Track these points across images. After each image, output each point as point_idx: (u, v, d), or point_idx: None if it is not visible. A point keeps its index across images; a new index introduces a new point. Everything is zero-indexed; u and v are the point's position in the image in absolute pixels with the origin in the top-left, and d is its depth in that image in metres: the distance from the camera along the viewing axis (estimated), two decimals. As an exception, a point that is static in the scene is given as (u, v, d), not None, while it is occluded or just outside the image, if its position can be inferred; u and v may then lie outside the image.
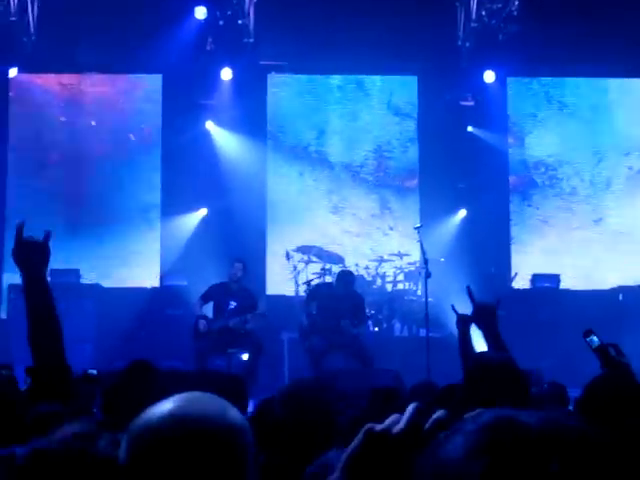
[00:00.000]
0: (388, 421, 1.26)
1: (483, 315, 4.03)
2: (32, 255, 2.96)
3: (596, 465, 0.97)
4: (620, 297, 12.26)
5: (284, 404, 3.37)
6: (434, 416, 1.24)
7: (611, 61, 13.44)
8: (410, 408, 1.26)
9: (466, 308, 4.19)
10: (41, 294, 2.92)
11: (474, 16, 12.86)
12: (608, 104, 14.22)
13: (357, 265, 12.62)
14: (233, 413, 1.53)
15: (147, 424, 1.48)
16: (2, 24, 11.97)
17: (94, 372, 5.09)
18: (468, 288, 4.20)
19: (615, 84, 14.34)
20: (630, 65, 13.67)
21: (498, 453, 0.97)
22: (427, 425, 1.24)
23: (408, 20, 12.58)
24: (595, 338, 3.71)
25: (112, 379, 4.16)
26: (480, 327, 4.03)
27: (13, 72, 13.16)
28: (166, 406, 1.49)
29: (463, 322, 4.09)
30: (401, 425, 1.25)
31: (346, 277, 10.68)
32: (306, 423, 3.26)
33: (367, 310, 10.91)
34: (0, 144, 13.42)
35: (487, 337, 3.95)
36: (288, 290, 12.99)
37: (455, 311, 4.28)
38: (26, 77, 13.54)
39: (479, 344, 4.02)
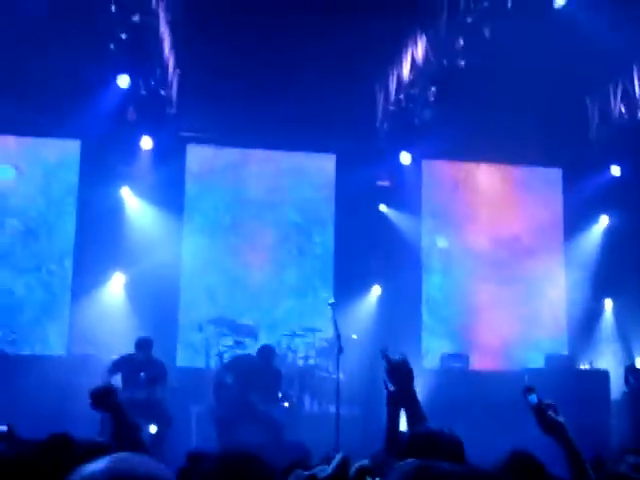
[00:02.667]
0: (316, 469, 1.34)
1: (399, 375, 3.97)
2: None
3: None
4: (526, 378, 12.50)
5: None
6: (358, 464, 1.33)
7: (519, 149, 14.01)
8: (337, 457, 1.34)
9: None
10: None
11: (392, 99, 13.25)
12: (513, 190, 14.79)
13: (269, 339, 12.59)
14: (162, 470, 1.64)
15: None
16: None
17: (4, 429, 4.84)
18: (383, 350, 4.11)
19: (521, 172, 14.92)
20: (536, 154, 14.26)
21: None
22: (352, 472, 1.32)
23: (329, 99, 12.87)
24: (534, 397, 3.74)
25: (28, 450, 4.05)
26: (396, 387, 3.96)
27: None
28: (98, 464, 1.60)
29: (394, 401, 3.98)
30: (328, 471, 1.33)
31: (267, 352, 10.69)
32: None
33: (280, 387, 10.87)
34: None
35: (403, 399, 3.91)
36: (199, 362, 12.86)
37: (387, 386, 4.10)
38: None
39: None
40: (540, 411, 3.65)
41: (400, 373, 3.95)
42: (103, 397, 4.25)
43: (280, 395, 10.94)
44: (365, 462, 1.23)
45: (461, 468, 1.10)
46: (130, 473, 1.59)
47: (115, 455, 1.66)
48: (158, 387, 9.77)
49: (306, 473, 1.30)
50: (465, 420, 11.02)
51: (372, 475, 1.18)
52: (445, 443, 3.27)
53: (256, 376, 10.23)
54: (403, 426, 3.91)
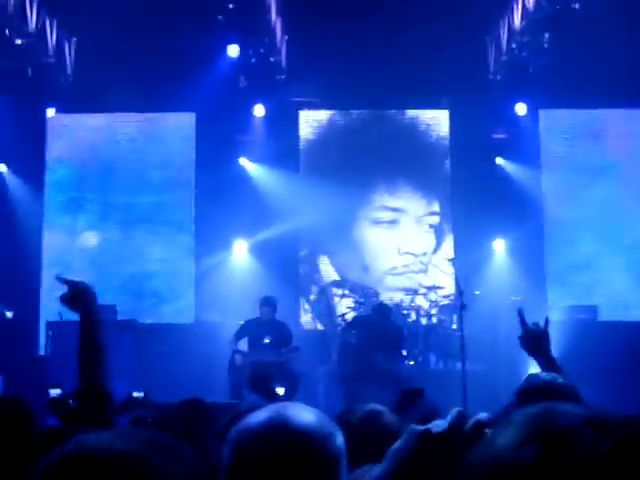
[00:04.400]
0: (431, 424, 1.33)
1: (534, 340, 3.91)
2: (80, 295, 3.18)
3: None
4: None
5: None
6: (475, 417, 1.30)
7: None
8: (453, 411, 1.32)
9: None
10: (91, 326, 3.14)
11: (504, 49, 12.93)
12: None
13: (391, 299, 12.61)
14: (325, 420, 1.68)
15: (248, 429, 1.65)
16: (40, 65, 12.21)
17: (140, 395, 5.06)
18: (519, 312, 4.03)
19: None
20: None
21: (548, 438, 1.01)
22: (469, 426, 1.30)
23: (439, 54, 12.64)
24: None
25: (165, 413, 4.27)
26: (531, 353, 3.92)
27: (51, 112, 13.40)
28: (263, 414, 1.67)
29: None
30: (443, 426, 1.32)
31: (383, 309, 10.72)
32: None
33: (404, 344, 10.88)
34: (37, 182, 13.65)
35: (541, 363, 3.86)
36: (322, 325, 13.01)
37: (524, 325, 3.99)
38: (64, 117, 13.76)
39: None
40: None
41: (536, 339, 3.89)
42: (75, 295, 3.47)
43: (405, 352, 10.97)
44: (483, 415, 1.20)
45: (586, 410, 1.04)
46: (295, 421, 1.64)
47: (278, 405, 1.71)
48: (284, 349, 9.94)
49: (420, 428, 1.29)
50: (594, 373, 10.78)
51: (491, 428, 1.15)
52: (559, 390, 3.23)
53: (377, 334, 10.27)
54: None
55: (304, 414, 1.66)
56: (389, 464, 1.35)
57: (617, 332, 11.95)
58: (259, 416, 1.66)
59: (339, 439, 1.66)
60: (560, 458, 0.99)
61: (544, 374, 3.57)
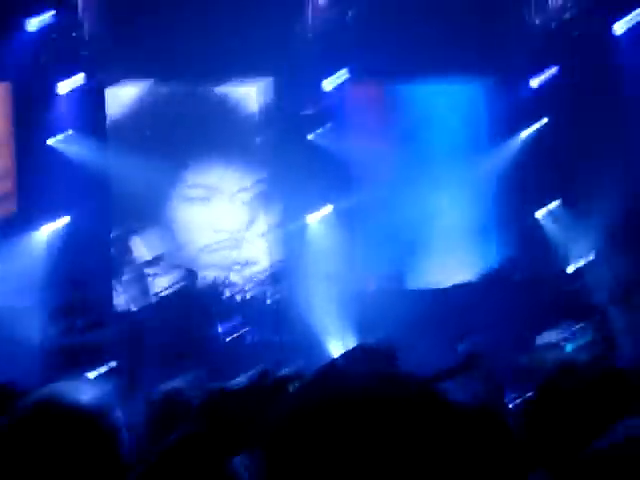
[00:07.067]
0: (232, 381, 1.38)
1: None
2: None
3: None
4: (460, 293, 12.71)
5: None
6: (278, 374, 1.37)
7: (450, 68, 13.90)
8: (257, 368, 1.38)
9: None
10: None
11: (310, 25, 13.14)
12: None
13: (205, 277, 12.61)
14: (103, 396, 1.66)
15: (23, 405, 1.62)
16: None
17: None
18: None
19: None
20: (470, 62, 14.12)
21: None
22: (271, 381, 1.36)
23: (251, 30, 12.63)
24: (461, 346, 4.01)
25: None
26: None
27: None
28: (36, 394, 1.64)
29: None
30: (243, 382, 1.37)
31: (190, 277, 10.70)
32: None
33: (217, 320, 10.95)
34: None
35: None
36: (136, 306, 12.84)
37: None
38: None
39: None
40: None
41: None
42: None
43: (220, 330, 11.02)
44: (286, 371, 1.25)
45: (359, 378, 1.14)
46: (63, 402, 1.59)
47: (53, 385, 1.68)
48: (97, 331, 9.77)
49: (217, 385, 1.32)
50: (406, 340, 11.23)
51: (295, 382, 1.20)
52: (382, 352, 3.51)
53: (191, 308, 10.26)
54: None
55: (78, 392, 1.62)
56: (190, 424, 1.37)
57: (423, 299, 12.52)
58: (31, 397, 1.61)
59: (116, 414, 1.64)
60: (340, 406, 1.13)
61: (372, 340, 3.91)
